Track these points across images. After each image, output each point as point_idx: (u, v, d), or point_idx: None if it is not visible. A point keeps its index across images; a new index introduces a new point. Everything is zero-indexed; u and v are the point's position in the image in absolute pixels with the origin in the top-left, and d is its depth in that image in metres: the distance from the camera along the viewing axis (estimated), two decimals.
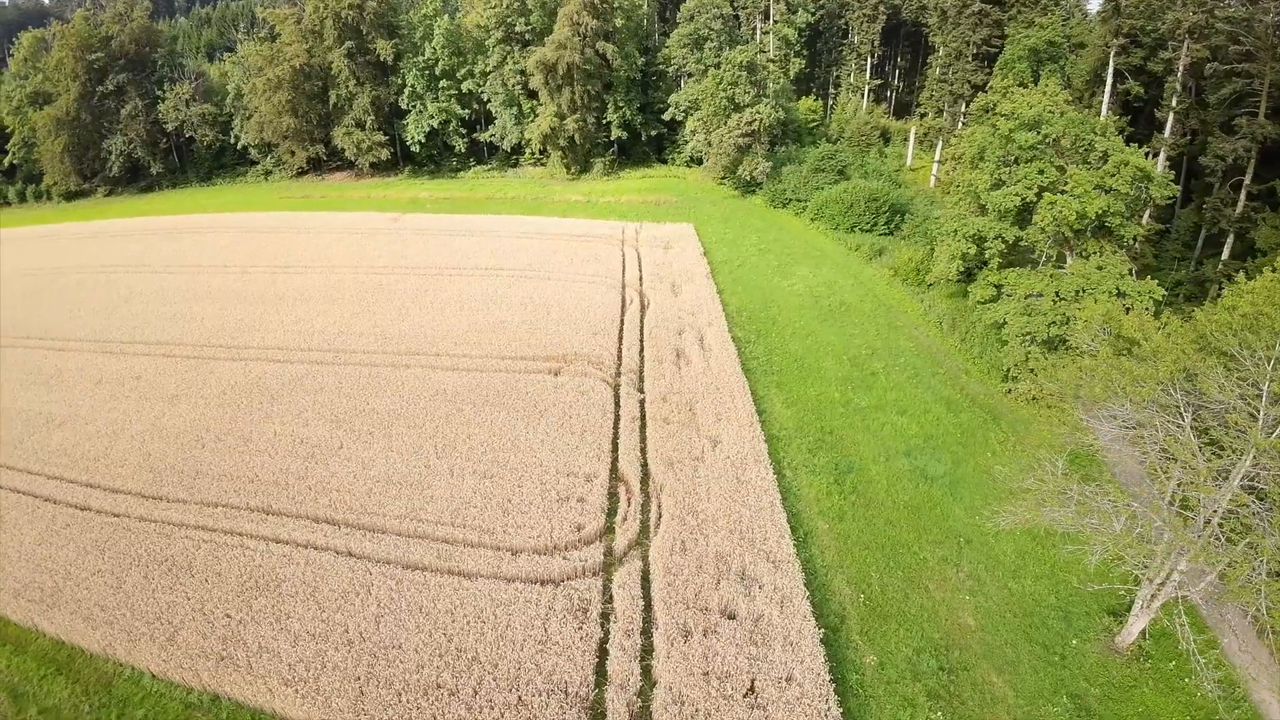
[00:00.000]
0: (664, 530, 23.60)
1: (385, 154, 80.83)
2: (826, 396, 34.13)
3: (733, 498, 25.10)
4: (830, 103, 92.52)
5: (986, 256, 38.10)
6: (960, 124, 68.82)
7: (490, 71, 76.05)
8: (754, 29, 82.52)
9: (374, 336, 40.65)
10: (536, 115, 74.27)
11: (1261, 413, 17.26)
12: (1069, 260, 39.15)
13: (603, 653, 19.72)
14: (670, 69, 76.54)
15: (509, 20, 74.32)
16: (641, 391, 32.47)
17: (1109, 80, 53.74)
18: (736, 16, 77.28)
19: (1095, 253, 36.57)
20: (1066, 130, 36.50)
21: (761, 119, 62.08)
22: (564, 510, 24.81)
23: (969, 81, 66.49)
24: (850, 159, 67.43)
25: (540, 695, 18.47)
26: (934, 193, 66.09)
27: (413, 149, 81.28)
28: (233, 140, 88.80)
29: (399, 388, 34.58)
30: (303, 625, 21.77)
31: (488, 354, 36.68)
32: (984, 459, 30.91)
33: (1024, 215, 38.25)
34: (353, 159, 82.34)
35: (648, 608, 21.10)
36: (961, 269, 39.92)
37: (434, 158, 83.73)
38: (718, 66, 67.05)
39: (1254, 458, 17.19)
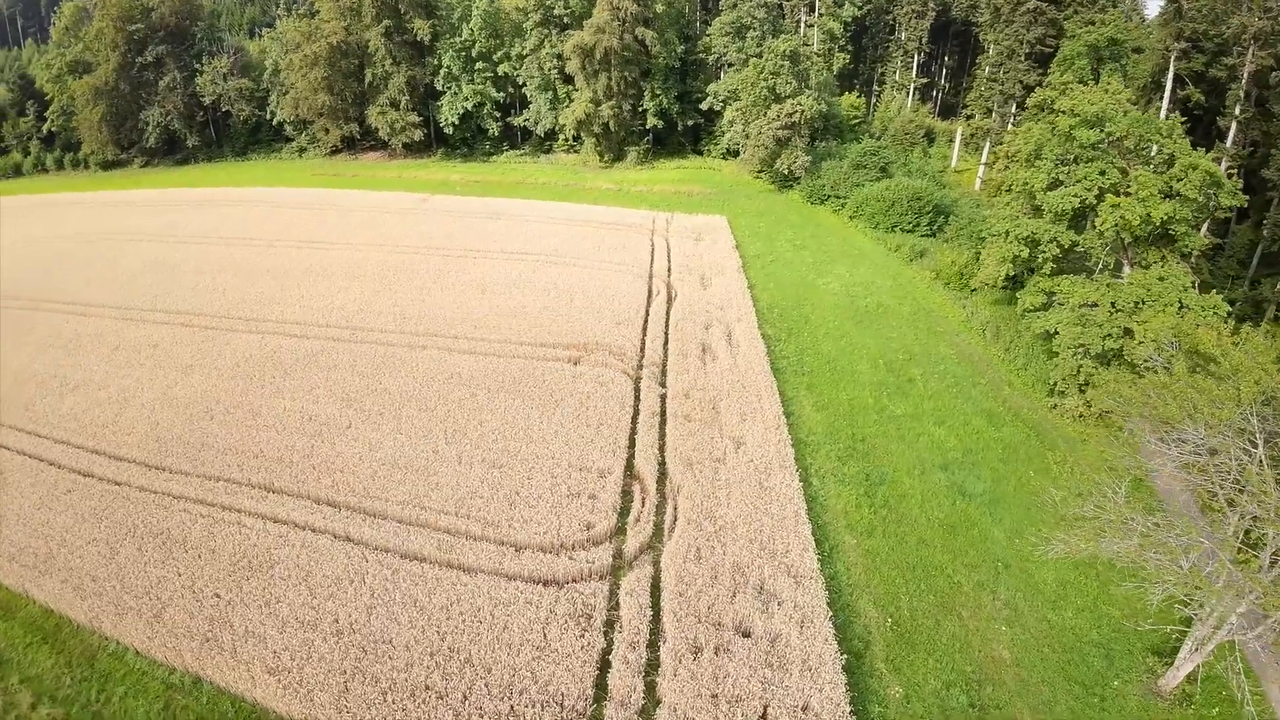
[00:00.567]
0: (679, 535, 22.00)
1: (418, 135, 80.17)
2: (860, 402, 32.19)
3: (754, 504, 23.40)
4: (873, 100, 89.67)
5: (1039, 261, 35.73)
6: (1010, 125, 66.41)
7: (527, 55, 74.82)
8: (798, 21, 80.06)
9: (393, 316, 39.64)
10: (572, 101, 72.86)
11: None
12: (1126, 270, 36.69)
13: (604, 665, 18.21)
14: (710, 58, 74.52)
15: (548, 3, 72.98)
16: (663, 386, 30.86)
17: (1168, 85, 50.84)
18: (780, 7, 74.98)
19: (1156, 262, 34.11)
20: (1130, 130, 34.01)
21: (803, 110, 59.86)
22: (574, 507, 23.34)
23: (1021, 81, 63.95)
24: (893, 157, 64.88)
25: (534, 707, 17.05)
26: (979, 196, 63.45)
27: (446, 131, 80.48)
28: (269, 116, 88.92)
29: (413, 369, 33.46)
30: (292, 611, 20.69)
31: (506, 339, 35.38)
32: (1026, 478, 28.86)
33: (1078, 219, 35.95)
34: (386, 139, 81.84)
35: (656, 619, 19.54)
36: (1011, 273, 37.62)
37: (467, 141, 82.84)
38: (759, 56, 64.90)
39: None
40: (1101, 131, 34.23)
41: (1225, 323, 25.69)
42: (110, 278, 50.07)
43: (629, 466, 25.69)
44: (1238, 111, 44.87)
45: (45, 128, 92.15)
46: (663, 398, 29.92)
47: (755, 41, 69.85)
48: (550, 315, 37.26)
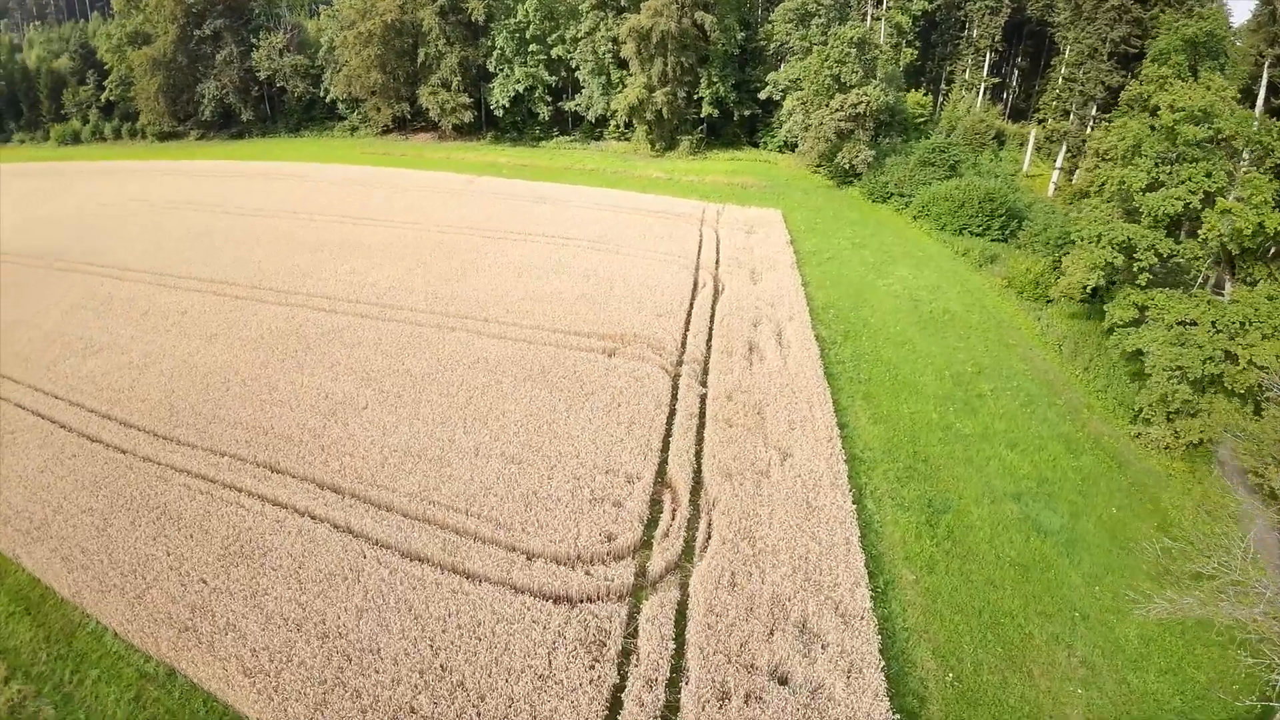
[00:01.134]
0: (711, 556, 19.30)
1: (468, 116, 78.94)
2: (923, 416, 28.94)
3: (800, 527, 20.53)
4: (940, 99, 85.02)
5: (1134, 270, 31.86)
6: (1089, 129, 62.12)
7: (581, 37, 72.71)
8: (865, 14, 76.09)
9: (425, 295, 37.84)
10: (625, 86, 70.46)
11: None
12: (1228, 286, 32.60)
13: (615, 703, 15.67)
14: (771, 46, 71.19)
15: None
16: (704, 386, 28.13)
17: (1260, 94, 45.95)
18: (844, 5, 71.39)
19: (1264, 279, 30.09)
20: (1239, 129, 30.04)
21: (868, 101, 56.23)
22: (596, 513, 20.85)
23: (1102, 82, 59.86)
24: (963, 155, 60.65)
25: None
26: (1052, 203, 59.02)
27: (496, 113, 79.02)
28: (322, 94, 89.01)
29: (439, 350, 31.51)
30: (278, 606, 18.80)
31: (539, 325, 33.14)
32: (1107, 515, 25.41)
33: (1173, 227, 32.06)
34: (436, 119, 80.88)
35: (679, 653, 16.90)
36: (1100, 283, 33.82)
37: (517, 125, 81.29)
38: (825, 44, 61.40)
39: None
40: (1210, 129, 30.32)
41: None
42: (152, 244, 49.85)
43: (660, 473, 23.09)
44: None
45: (104, 97, 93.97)
46: (703, 399, 27.21)
47: (820, 29, 66.33)
48: (587, 303, 34.89)
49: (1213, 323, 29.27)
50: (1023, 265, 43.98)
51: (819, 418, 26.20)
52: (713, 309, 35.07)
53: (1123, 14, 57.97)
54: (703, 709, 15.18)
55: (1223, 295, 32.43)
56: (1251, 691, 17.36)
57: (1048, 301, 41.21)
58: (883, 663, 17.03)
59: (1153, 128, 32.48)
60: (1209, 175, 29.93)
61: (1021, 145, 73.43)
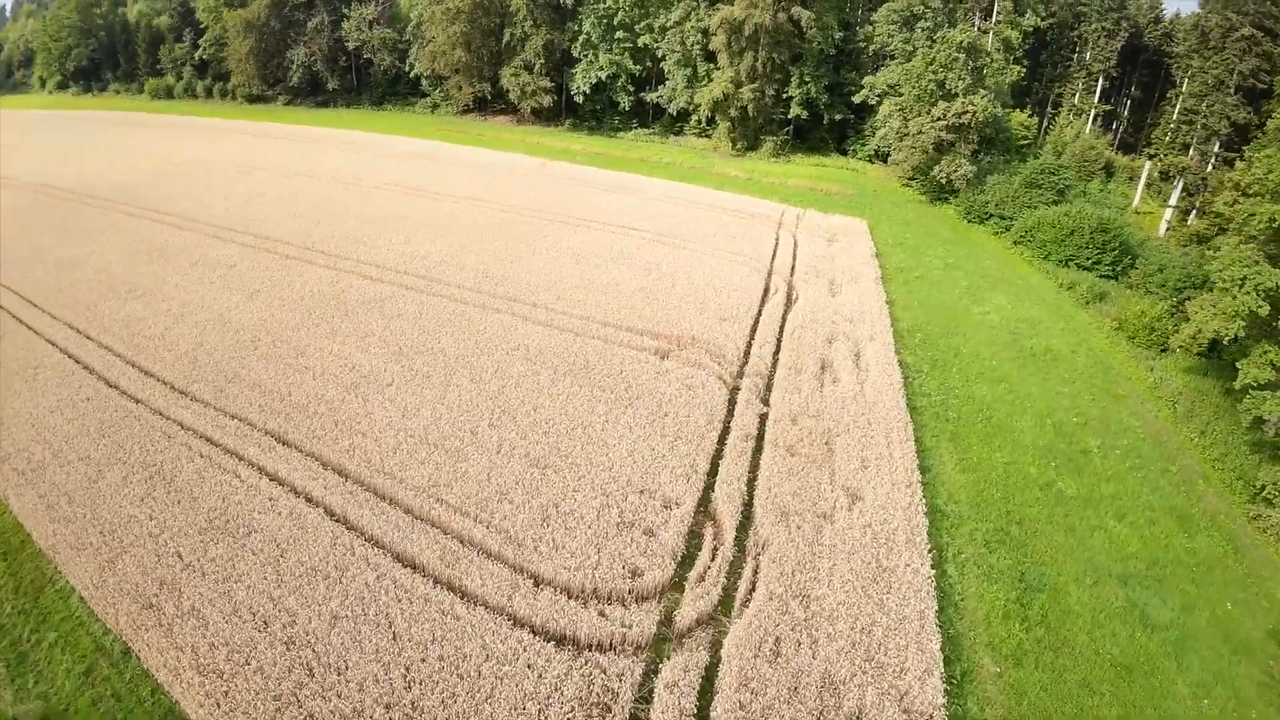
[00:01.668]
0: (754, 614, 15.86)
1: (548, 101, 77.30)
2: (1019, 470, 24.69)
3: (865, 590, 16.87)
4: (1046, 123, 78.72)
5: (1278, 325, 26.97)
6: (1210, 165, 56.08)
7: (670, 27, 69.90)
8: (973, 26, 70.67)
9: (475, 273, 35.56)
10: (711, 80, 67.24)
11: None
12: None
13: None
14: (870, 49, 66.72)
15: None
16: (766, 404, 24.59)
17: None
18: (952, 10, 66.34)
19: None
20: None
21: (974, 112, 51.39)
22: (621, 541, 17.72)
23: (1228, 117, 53.70)
24: (1072, 181, 55.07)
25: None
26: (1165, 243, 53.03)
27: (577, 99, 77.11)
28: (407, 69, 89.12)
29: (479, 332, 29.03)
30: (248, 597, 16.49)
31: (589, 316, 30.27)
32: (1222, 610, 20.98)
33: None
34: (516, 102, 79.62)
35: None
36: (1241, 332, 28.86)
37: (596, 113, 79.19)
38: (930, 46, 56.77)
39: None
40: None
41: None
42: (218, 199, 49.67)
43: (704, 501, 19.73)
44: None
45: (198, 55, 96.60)
46: (763, 419, 23.69)
47: (926, 34, 61.68)
48: (645, 297, 31.82)
49: None
50: (1136, 307, 38.80)
51: (898, 457, 22.36)
52: (783, 319, 31.47)
53: (1252, 45, 52.96)
54: None
55: None
56: None
57: (1162, 350, 36.11)
58: None
59: None
60: None
61: (1131, 179, 67.35)
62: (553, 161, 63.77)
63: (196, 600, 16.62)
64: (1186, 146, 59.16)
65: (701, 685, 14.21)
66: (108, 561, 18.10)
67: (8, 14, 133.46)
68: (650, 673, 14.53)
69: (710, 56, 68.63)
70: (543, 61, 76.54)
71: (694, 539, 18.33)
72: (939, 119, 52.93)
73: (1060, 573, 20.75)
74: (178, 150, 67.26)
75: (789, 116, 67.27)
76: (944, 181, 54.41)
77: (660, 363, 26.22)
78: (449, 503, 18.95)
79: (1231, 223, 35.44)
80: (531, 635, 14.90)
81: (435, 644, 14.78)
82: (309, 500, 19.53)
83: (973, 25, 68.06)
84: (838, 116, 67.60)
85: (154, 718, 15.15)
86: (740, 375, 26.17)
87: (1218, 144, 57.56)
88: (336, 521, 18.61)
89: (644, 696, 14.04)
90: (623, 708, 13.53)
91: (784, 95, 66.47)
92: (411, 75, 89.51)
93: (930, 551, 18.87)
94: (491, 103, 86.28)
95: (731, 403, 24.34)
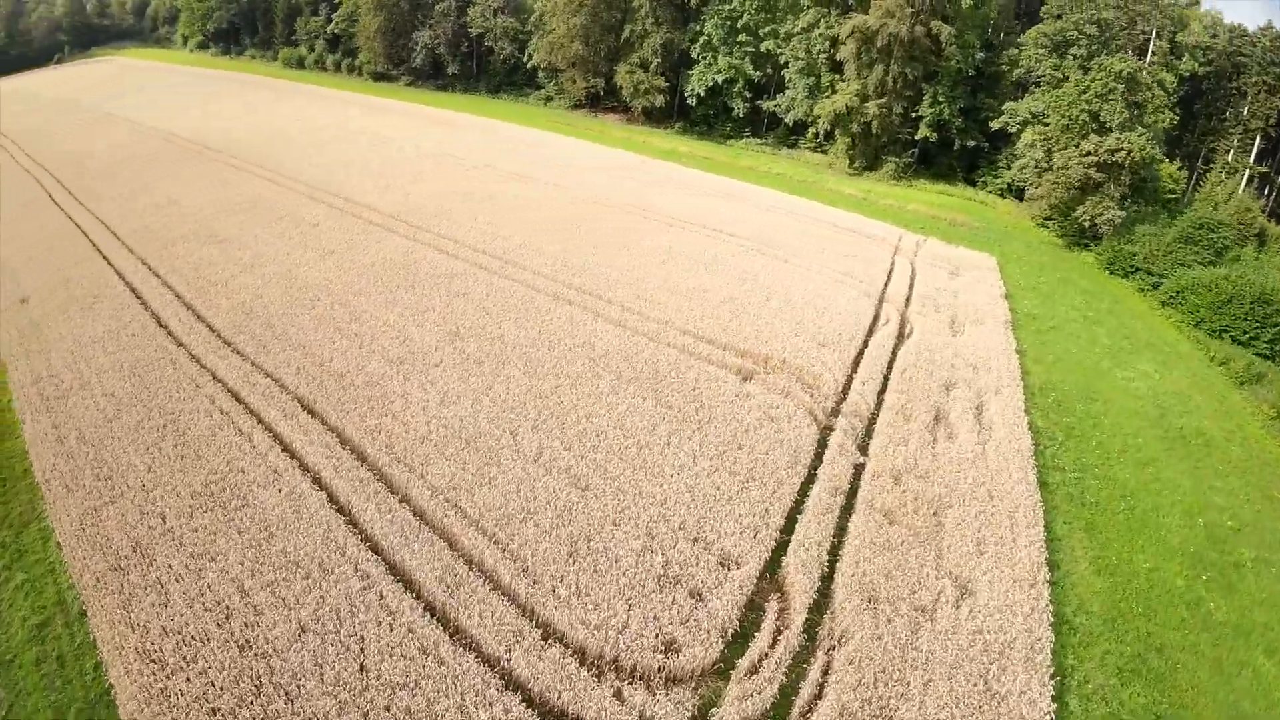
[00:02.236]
0: None
1: (660, 100, 74.74)
2: (1163, 579, 19.38)
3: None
4: (1194, 178, 69.54)
5: None
6: None
7: (797, 33, 65.86)
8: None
9: (553, 260, 32.84)
10: (834, 91, 62.71)
11: None
12: None
13: None
14: (1014, 73, 60.46)
15: None
16: (863, 453, 20.29)
17: None
18: (1108, 40, 59.18)
19: None
20: None
21: (1130, 151, 44.80)
22: (661, 601, 14.07)
23: None
24: (1230, 242, 47.31)
25: None
26: None
27: (689, 102, 74.18)
28: (525, 59, 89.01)
29: (544, 322, 26.14)
30: (218, 580, 14.27)
31: (667, 320, 26.83)
32: None
33: None
34: (627, 99, 77.57)
35: None
36: None
37: (708, 118, 75.98)
38: (1085, 73, 50.44)
39: None
40: None
41: None
42: (320, 162, 49.77)
43: (773, 565, 15.74)
44: None
45: (330, 29, 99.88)
46: (858, 470, 19.43)
47: (1078, 61, 55.34)
48: (734, 309, 28.05)
49: None
50: None
51: (1022, 544, 17.69)
52: (893, 354, 26.94)
53: None
54: None
55: None
56: None
57: None
58: None
59: None
60: None
61: None
62: (655, 160, 61.07)
63: (165, 573, 14.44)
64: None
65: None
66: (93, 509, 16.50)
67: None
68: None
69: (836, 67, 64.16)
70: (659, 60, 74.12)
71: (752, 613, 14.36)
72: (1088, 154, 46.57)
73: (1201, 717, 15.63)
74: (296, 115, 68.96)
75: (915, 138, 61.73)
76: (1086, 225, 47.87)
77: (741, 384, 22.38)
78: (466, 512, 15.88)
79: None
80: (524, 705, 11.53)
81: (405, 690, 11.66)
82: (315, 481, 17.03)
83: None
84: (970, 143, 61.50)
85: (88, 698, 13.12)
86: (835, 413, 21.97)
87: None
88: (336, 511, 15.97)
89: None
90: None
91: (913, 114, 61.11)
92: (529, 66, 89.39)
93: (1053, 679, 14.22)
94: (603, 99, 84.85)
95: (821, 445, 20.20)
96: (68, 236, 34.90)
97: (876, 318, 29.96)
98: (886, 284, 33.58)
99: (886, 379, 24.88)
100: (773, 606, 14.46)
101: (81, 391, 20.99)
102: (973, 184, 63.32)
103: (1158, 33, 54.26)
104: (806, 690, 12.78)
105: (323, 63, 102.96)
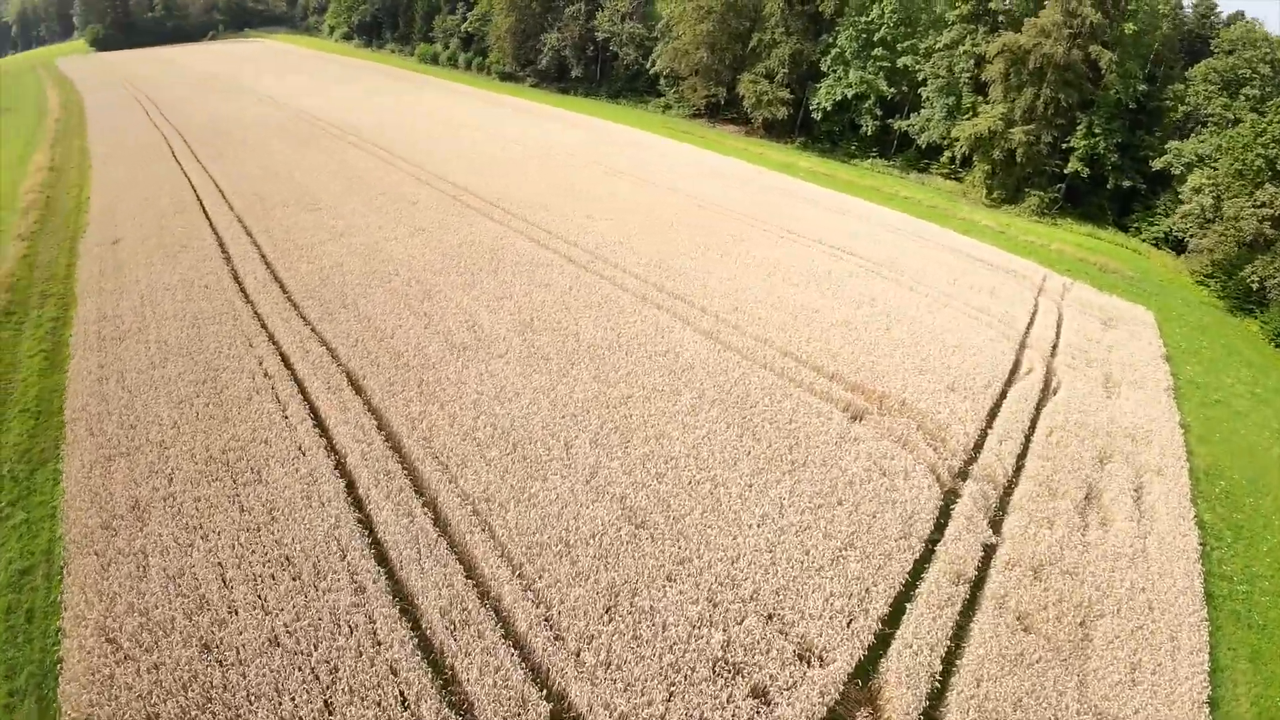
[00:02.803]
0: None
1: (783, 113, 71.09)
2: None
3: None
4: None
5: None
6: None
7: (939, 50, 60.67)
8: None
9: (647, 261, 30.17)
10: (976, 114, 57.10)
11: None
12: None
13: None
14: (1179, 110, 52.96)
15: None
16: (996, 532, 16.14)
17: None
18: None
19: None
20: None
21: None
22: (713, 694, 10.83)
23: None
24: None
25: None
26: None
27: (814, 117, 70.14)
28: (648, 66, 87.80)
29: (625, 324, 23.41)
30: (202, 561, 12.65)
31: (767, 339, 23.44)
32: None
33: None
34: (748, 110, 74.46)
35: None
36: None
37: (833, 135, 71.61)
38: (1260, 114, 43.35)
39: None
40: None
41: None
42: (433, 149, 49.69)
43: (865, 668, 12.08)
44: None
45: (464, 27, 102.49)
46: (988, 553, 15.34)
47: (1252, 102, 47.81)
48: (847, 335, 24.26)
49: None
50: None
51: (1183, 676, 13.24)
52: (1036, 410, 22.30)
53: None
54: None
55: None
56: None
57: None
58: None
59: None
60: None
61: None
62: (772, 172, 57.68)
63: (151, 541, 12.77)
64: None
65: None
66: (105, 457, 15.23)
67: None
68: None
69: (980, 88, 58.52)
70: (786, 71, 70.60)
71: None
72: (1262, 205, 39.45)
73: None
74: (419, 104, 70.55)
75: (1064, 171, 55.08)
76: (1254, 286, 40.44)
77: (849, 424, 18.67)
78: (494, 531, 13.22)
79: None
80: None
81: None
82: (338, 465, 14.97)
83: None
84: (1125, 183, 54.19)
85: (42, 664, 11.57)
86: (963, 475, 17.88)
87: None
88: (351, 504, 13.82)
89: None
90: None
91: (1063, 145, 54.57)
92: (650, 72, 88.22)
93: None
94: (723, 109, 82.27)
95: (944, 514, 16.23)
96: (178, 190, 35.55)
97: (1017, 365, 25.28)
98: (1029, 327, 28.67)
99: (1028, 440, 20.40)
100: None
101: (137, 335, 20.18)
102: (1124, 229, 55.98)
103: None
104: None
105: (455, 60, 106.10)
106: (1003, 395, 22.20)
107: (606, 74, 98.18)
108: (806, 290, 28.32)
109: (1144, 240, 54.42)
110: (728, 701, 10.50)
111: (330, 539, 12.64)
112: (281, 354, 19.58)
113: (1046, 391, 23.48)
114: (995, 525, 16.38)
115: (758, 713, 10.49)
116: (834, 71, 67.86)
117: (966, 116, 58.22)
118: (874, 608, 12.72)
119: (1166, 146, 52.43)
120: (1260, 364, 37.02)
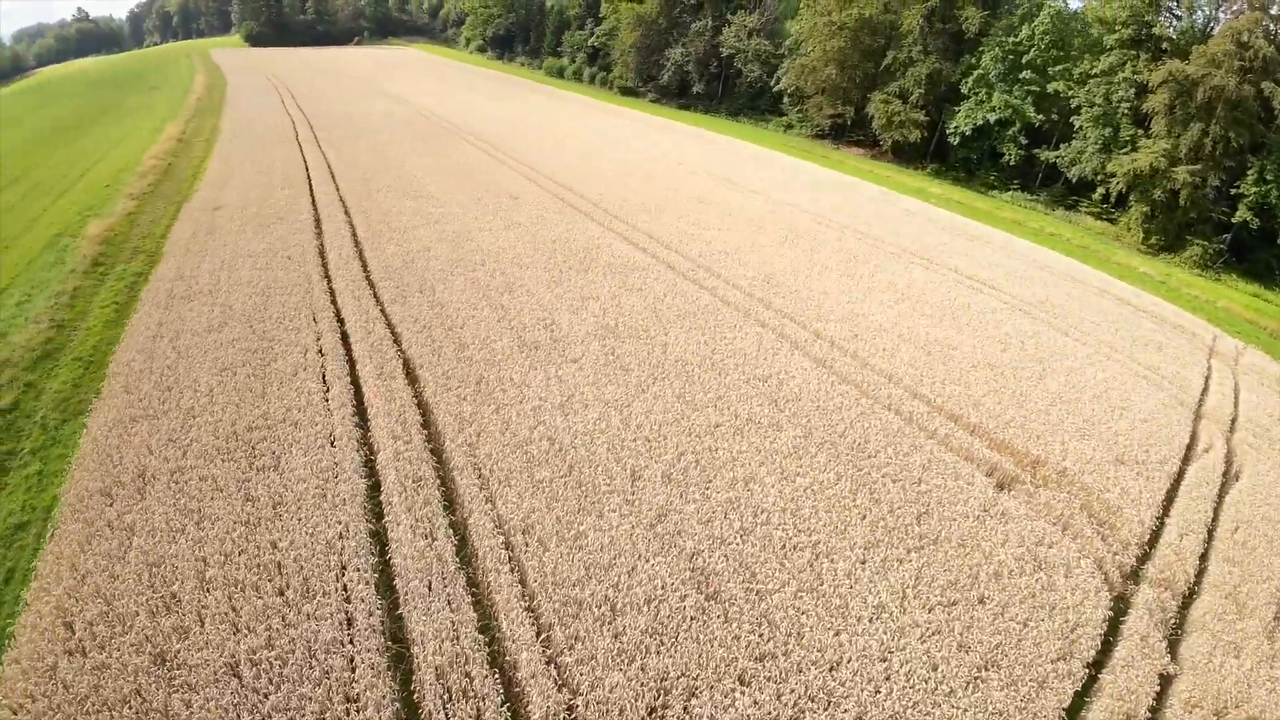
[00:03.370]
0: None
1: (915, 136, 65.90)
2: None
3: None
4: None
5: None
6: None
7: (1094, 75, 54.08)
8: None
9: (754, 274, 27.13)
10: (1136, 148, 50.18)
11: None
12: None
13: None
14: None
15: (1148, 18, 51.19)
16: (1173, 659, 11.85)
17: None
18: None
19: None
20: None
21: None
22: None
23: None
24: None
25: None
26: None
27: (950, 140, 64.63)
28: (773, 84, 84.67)
29: (723, 340, 20.48)
30: (184, 557, 11.18)
31: (892, 374, 19.81)
32: None
33: None
34: (877, 131, 69.75)
35: None
36: None
37: (969, 162, 65.71)
38: None
39: None
40: None
41: None
42: (546, 149, 49.44)
43: None
44: None
45: (590, 42, 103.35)
46: (1164, 685, 11.16)
47: None
48: (990, 380, 20.17)
49: None
50: None
51: None
52: (1218, 499, 17.44)
53: None
54: None
55: None
56: None
57: None
58: None
59: None
60: None
61: None
62: (900, 195, 53.26)
63: (144, 517, 11.25)
64: None
65: None
66: (130, 418, 14.08)
67: None
68: None
69: (1140, 120, 51.52)
70: (922, 92, 65.53)
71: None
72: None
73: None
74: (538, 109, 71.44)
75: (1232, 220, 47.15)
76: None
77: (995, 494, 14.78)
78: (525, 575, 10.61)
79: None
80: None
81: None
82: (366, 464, 12.96)
83: None
84: None
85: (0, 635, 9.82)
86: (1137, 575, 13.62)
87: None
88: (366, 512, 11.64)
89: None
90: None
91: (1232, 190, 46.80)
92: (774, 90, 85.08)
93: None
94: (849, 130, 77.81)
95: (1113, 621, 12.14)
96: (291, 169, 36.01)
97: (1193, 439, 20.25)
98: (1203, 395, 23.29)
99: (1211, 534, 15.71)
100: None
101: (206, 297, 19.46)
102: None
103: None
104: None
105: (580, 74, 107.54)
106: (1179, 475, 17.46)
107: (728, 91, 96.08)
108: (941, 323, 24.30)
109: None
110: None
111: (331, 551, 10.47)
112: (343, 332, 18.11)
113: (1228, 477, 18.40)
114: (1173, 638, 12.11)
115: None
116: (975, 94, 62.25)
117: (1124, 150, 51.31)
118: None
119: None
120: None
